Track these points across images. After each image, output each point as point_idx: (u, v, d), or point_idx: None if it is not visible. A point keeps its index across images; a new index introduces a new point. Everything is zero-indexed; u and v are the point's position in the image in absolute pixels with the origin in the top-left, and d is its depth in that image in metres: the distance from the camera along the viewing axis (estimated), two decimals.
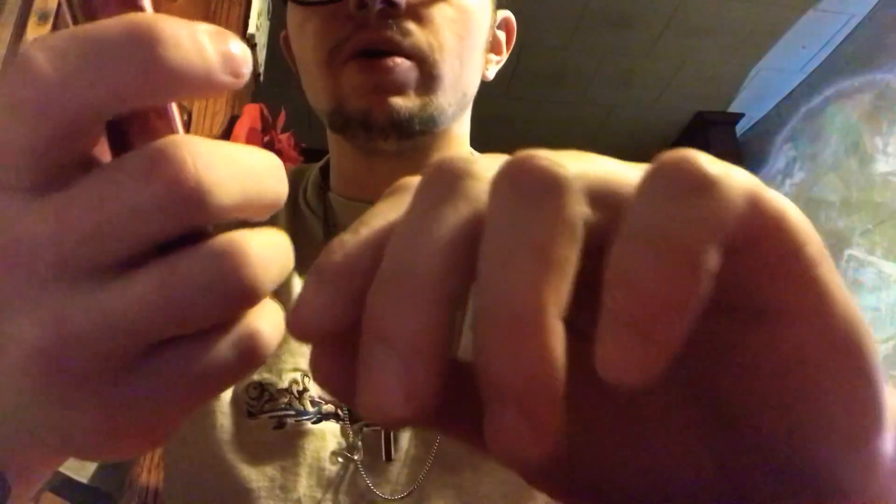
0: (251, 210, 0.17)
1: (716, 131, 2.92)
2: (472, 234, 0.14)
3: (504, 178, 0.14)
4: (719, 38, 2.47)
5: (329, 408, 0.47)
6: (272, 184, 0.17)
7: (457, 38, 0.49)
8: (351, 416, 0.47)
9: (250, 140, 1.40)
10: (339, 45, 0.48)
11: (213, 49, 0.16)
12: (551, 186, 0.14)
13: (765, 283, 0.14)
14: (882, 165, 2.22)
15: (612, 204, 0.14)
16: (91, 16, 0.16)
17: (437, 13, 0.49)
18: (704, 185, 0.13)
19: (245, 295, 0.16)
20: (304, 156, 1.66)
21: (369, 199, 0.54)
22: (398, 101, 0.47)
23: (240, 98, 1.60)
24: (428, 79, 0.48)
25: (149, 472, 0.92)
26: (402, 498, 0.45)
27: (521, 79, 2.66)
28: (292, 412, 0.47)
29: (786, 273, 0.14)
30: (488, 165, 0.15)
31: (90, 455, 0.18)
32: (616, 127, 3.03)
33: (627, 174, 0.15)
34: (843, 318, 0.14)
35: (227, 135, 1.46)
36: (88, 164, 0.16)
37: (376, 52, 0.47)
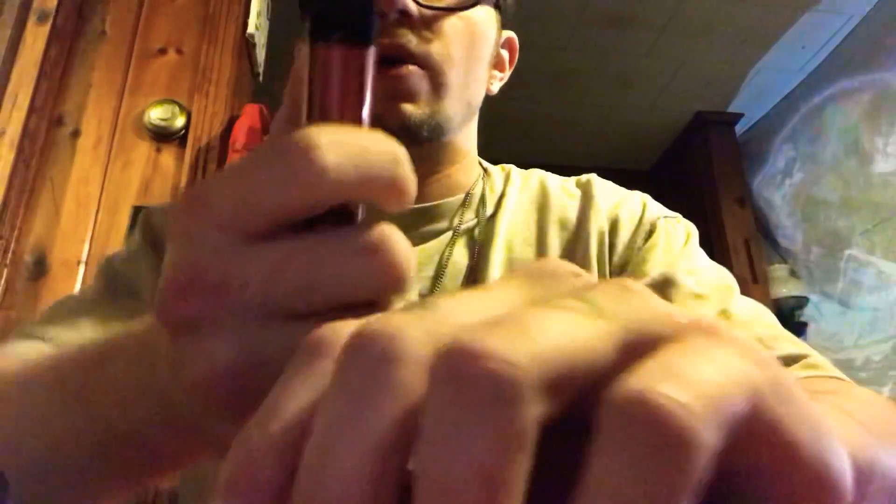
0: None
1: (715, 131, 2.92)
2: (404, 439, 0.13)
3: (444, 378, 0.12)
4: (719, 38, 2.47)
5: None
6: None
7: (464, 49, 0.52)
8: None
9: (250, 140, 1.40)
10: None
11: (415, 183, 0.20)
12: (500, 393, 0.12)
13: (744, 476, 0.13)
14: (882, 165, 2.22)
15: (579, 383, 0.13)
16: (324, 113, 0.20)
17: (447, 25, 0.51)
18: (679, 444, 0.11)
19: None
20: None
21: None
22: (409, 108, 0.50)
23: (240, 98, 1.60)
24: (436, 87, 0.51)
25: None
26: None
27: (522, 79, 2.66)
28: None
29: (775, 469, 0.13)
30: (420, 340, 0.13)
31: None
32: (616, 127, 3.03)
33: (594, 346, 0.13)
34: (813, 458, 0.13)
35: (226, 135, 1.46)
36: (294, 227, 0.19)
37: (388, 59, 0.49)
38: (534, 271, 0.16)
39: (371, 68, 0.21)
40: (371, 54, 0.21)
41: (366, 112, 0.21)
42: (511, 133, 2.97)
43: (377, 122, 0.49)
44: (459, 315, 0.14)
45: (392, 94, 0.49)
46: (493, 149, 0.72)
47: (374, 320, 0.14)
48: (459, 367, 0.12)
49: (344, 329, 0.15)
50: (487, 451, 0.11)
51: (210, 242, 0.19)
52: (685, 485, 0.11)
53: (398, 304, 0.20)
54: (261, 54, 1.73)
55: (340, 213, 0.20)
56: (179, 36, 1.56)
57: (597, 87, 2.76)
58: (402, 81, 0.49)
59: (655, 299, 0.15)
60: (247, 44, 1.63)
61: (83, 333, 0.46)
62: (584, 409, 0.12)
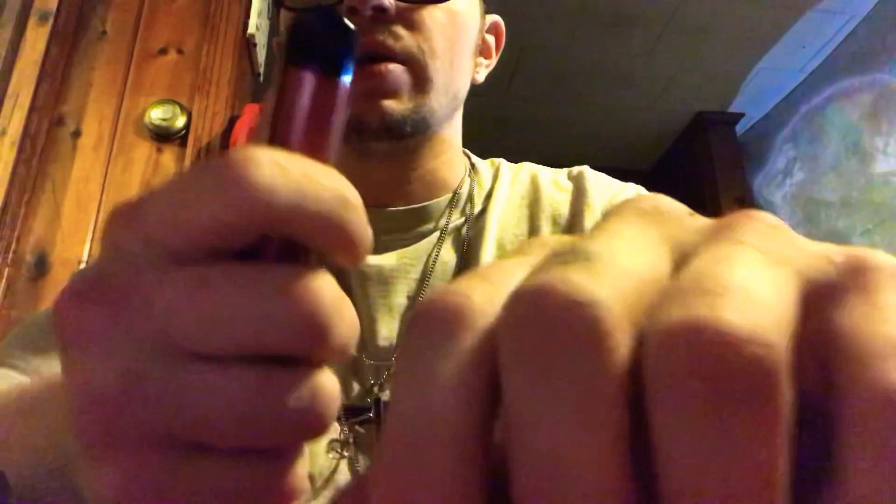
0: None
1: (716, 131, 2.92)
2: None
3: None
4: (719, 38, 2.47)
5: None
6: None
7: (447, 41, 0.51)
8: (346, 413, 0.47)
9: (250, 140, 1.40)
10: None
11: (369, 239, 0.18)
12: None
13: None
14: (882, 165, 2.23)
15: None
16: (284, 140, 0.19)
17: (427, 17, 0.50)
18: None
19: (318, 433, 0.17)
20: None
21: (364, 202, 0.54)
22: (390, 104, 0.49)
23: (240, 98, 1.60)
24: (420, 82, 0.49)
25: None
26: None
27: (522, 79, 2.66)
28: None
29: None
30: (616, 311, 0.11)
31: None
32: (616, 127, 3.03)
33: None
34: None
35: (227, 135, 1.46)
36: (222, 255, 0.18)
37: (368, 56, 0.48)
38: (649, 212, 0.14)
39: (343, 105, 0.19)
40: (345, 90, 0.19)
41: (330, 150, 0.19)
42: (511, 133, 2.97)
43: (358, 120, 0.49)
44: (630, 268, 0.12)
45: (372, 92, 0.48)
46: (494, 149, 0.71)
47: (547, 279, 0.12)
48: (717, 357, 0.10)
49: (472, 293, 0.13)
50: (767, 450, 0.10)
51: (130, 254, 0.17)
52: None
53: (328, 365, 0.18)
54: (261, 54, 1.73)
55: (288, 253, 0.18)
56: (180, 36, 1.56)
57: (597, 87, 2.76)
58: (382, 79, 0.48)
59: (797, 235, 0.14)
60: (247, 44, 1.63)
61: (50, 361, 0.45)
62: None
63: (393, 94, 0.49)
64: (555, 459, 0.11)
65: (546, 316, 0.11)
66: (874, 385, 0.11)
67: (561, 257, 0.12)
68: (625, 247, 0.13)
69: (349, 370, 0.49)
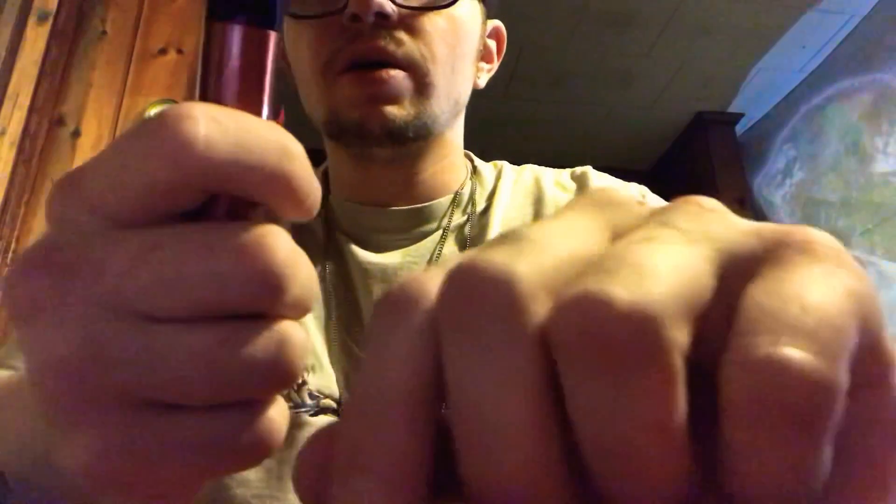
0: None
1: (716, 131, 2.92)
2: (550, 381, 0.13)
3: (585, 339, 0.12)
4: (719, 38, 2.47)
5: (327, 402, 0.48)
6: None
7: (448, 47, 0.51)
8: None
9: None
10: (333, 57, 0.50)
11: (316, 190, 0.18)
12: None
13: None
14: (882, 165, 2.23)
15: (694, 319, 0.13)
16: (217, 96, 0.18)
17: (429, 24, 0.50)
18: (818, 403, 0.11)
19: (287, 382, 0.17)
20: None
21: (366, 202, 0.55)
22: (392, 111, 0.49)
23: None
24: (421, 87, 0.50)
25: None
26: None
27: (521, 79, 2.66)
28: (290, 404, 0.47)
29: (865, 355, 0.13)
30: (533, 281, 0.13)
31: (96, 488, 0.18)
32: (616, 127, 3.03)
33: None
34: None
35: None
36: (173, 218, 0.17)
37: (370, 63, 0.49)
38: (599, 202, 0.15)
39: (272, 54, 0.19)
40: (274, 39, 0.19)
41: (265, 104, 0.19)
42: (511, 133, 2.97)
43: (360, 125, 0.49)
44: (555, 247, 0.13)
45: (373, 98, 0.49)
46: (494, 149, 0.71)
47: (473, 259, 0.13)
48: (601, 327, 0.11)
49: (426, 280, 0.14)
50: (657, 405, 0.11)
51: (77, 225, 0.17)
52: (827, 439, 0.11)
53: (294, 321, 0.18)
54: None
55: (238, 210, 0.18)
56: (180, 36, 1.56)
57: (597, 87, 2.76)
58: (383, 85, 0.48)
59: (732, 215, 0.15)
60: None
61: None
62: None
63: (395, 100, 0.49)
64: (480, 413, 0.12)
65: (467, 290, 0.13)
66: (739, 356, 0.11)
67: (497, 241, 0.14)
68: (559, 230, 0.14)
69: (354, 366, 0.49)
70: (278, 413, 0.18)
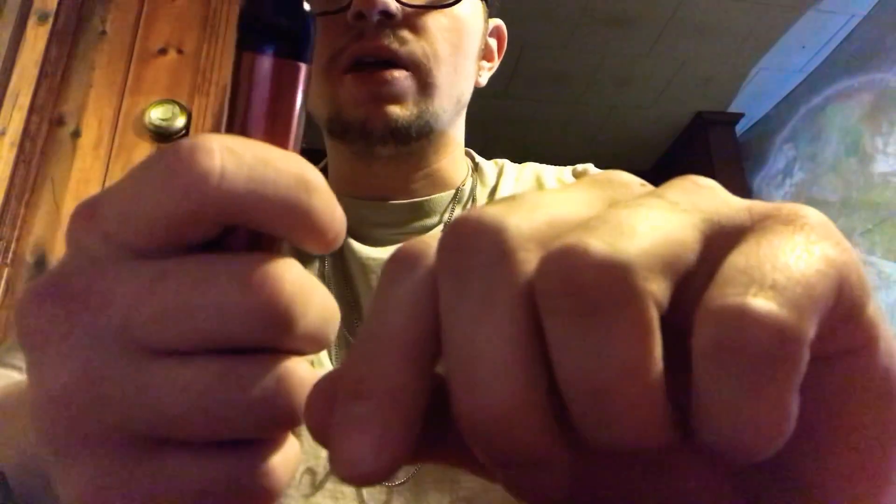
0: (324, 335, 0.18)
1: (716, 131, 2.92)
2: (534, 328, 0.13)
3: (562, 287, 0.13)
4: (719, 38, 2.47)
5: None
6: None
7: (451, 46, 0.51)
8: None
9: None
10: (337, 55, 0.50)
11: (339, 222, 0.18)
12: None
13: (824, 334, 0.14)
14: (882, 165, 2.23)
15: (674, 279, 0.14)
16: (244, 129, 0.18)
17: (432, 23, 0.50)
18: (783, 353, 0.12)
19: (286, 420, 0.17)
20: (304, 156, 1.65)
21: (365, 197, 0.55)
22: (395, 110, 0.49)
23: None
24: (424, 87, 0.50)
25: None
26: (396, 485, 0.45)
27: (521, 79, 2.66)
28: None
29: (845, 322, 0.14)
30: (525, 234, 0.14)
31: None
32: (616, 127, 3.03)
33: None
34: (887, 350, 0.14)
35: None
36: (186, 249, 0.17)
37: (373, 61, 0.49)
38: (601, 180, 0.16)
39: (301, 89, 0.18)
40: (304, 71, 0.18)
41: (292, 137, 0.18)
42: (511, 132, 2.97)
43: (363, 124, 0.49)
44: (550, 207, 0.14)
45: (377, 97, 0.49)
46: (494, 147, 0.71)
47: (469, 211, 0.14)
48: (577, 275, 0.12)
49: (430, 240, 0.15)
50: (628, 350, 0.12)
51: (90, 252, 0.17)
52: (793, 388, 0.12)
53: (301, 359, 0.18)
54: None
55: (255, 243, 0.17)
56: (180, 36, 1.56)
57: (597, 87, 2.76)
58: (387, 85, 0.48)
59: (727, 193, 0.15)
60: None
61: None
62: (674, 306, 0.13)
63: (398, 99, 0.49)
64: (469, 350, 0.13)
65: (461, 237, 0.14)
66: (708, 305, 0.12)
67: (496, 201, 0.15)
68: (557, 196, 0.15)
69: None
70: (286, 458, 0.18)
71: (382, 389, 0.14)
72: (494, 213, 0.14)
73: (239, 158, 0.16)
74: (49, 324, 0.16)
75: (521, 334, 0.13)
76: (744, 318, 0.12)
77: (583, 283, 0.12)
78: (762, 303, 0.12)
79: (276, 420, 0.17)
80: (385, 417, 0.14)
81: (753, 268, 0.12)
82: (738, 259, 0.13)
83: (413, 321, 0.14)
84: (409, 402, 0.14)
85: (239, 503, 0.17)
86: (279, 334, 0.16)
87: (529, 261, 0.13)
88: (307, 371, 0.17)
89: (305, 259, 0.53)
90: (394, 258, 0.15)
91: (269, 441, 0.18)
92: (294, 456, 0.18)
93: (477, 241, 0.14)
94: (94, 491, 0.16)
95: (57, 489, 0.17)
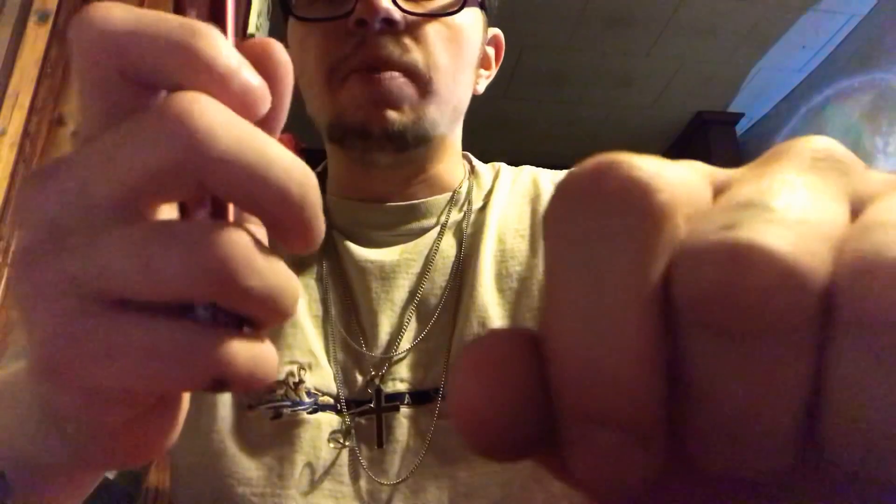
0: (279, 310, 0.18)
1: (716, 131, 2.93)
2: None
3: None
4: (719, 38, 2.47)
5: (325, 399, 0.48)
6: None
7: (451, 56, 0.52)
8: (347, 405, 0.48)
9: None
10: (339, 61, 0.50)
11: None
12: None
13: None
14: (882, 165, 2.23)
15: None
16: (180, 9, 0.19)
17: (433, 32, 0.51)
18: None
19: (224, 284, 0.17)
20: (304, 156, 1.65)
21: (363, 199, 0.56)
22: (394, 115, 0.50)
23: None
24: (422, 94, 0.51)
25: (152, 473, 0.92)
26: (395, 484, 0.45)
27: (521, 79, 2.66)
28: (288, 403, 0.48)
29: None
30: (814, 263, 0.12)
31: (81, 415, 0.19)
32: (616, 127, 3.03)
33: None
34: None
35: None
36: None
37: (374, 67, 0.49)
38: (819, 158, 0.13)
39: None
40: None
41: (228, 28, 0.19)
42: (511, 133, 2.97)
43: (362, 127, 0.50)
44: (688, 179, 0.12)
45: (376, 101, 0.49)
46: (494, 149, 0.72)
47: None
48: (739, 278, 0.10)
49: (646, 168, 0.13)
50: (781, 382, 0.11)
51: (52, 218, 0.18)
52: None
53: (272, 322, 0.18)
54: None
55: (217, 213, 0.18)
56: None
57: (597, 87, 2.77)
58: (386, 88, 0.49)
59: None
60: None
61: None
62: None
63: (397, 104, 0.50)
64: (589, 340, 0.12)
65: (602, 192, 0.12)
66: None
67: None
68: (697, 169, 0.14)
69: (352, 362, 0.49)
70: (252, 349, 0.18)
71: (633, 418, 0.11)
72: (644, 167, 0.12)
73: (224, 119, 0.17)
74: (40, 282, 0.17)
75: (649, 348, 0.11)
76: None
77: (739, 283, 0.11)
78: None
79: (215, 284, 0.16)
80: (637, 447, 0.12)
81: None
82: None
83: (651, 315, 0.11)
84: (660, 428, 0.12)
85: (181, 374, 0.17)
86: (220, 293, 0.17)
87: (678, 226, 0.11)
88: (249, 244, 0.17)
89: (304, 262, 0.54)
90: (589, 195, 0.12)
91: (231, 325, 0.18)
92: (264, 355, 0.18)
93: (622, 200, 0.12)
94: (43, 343, 0.17)
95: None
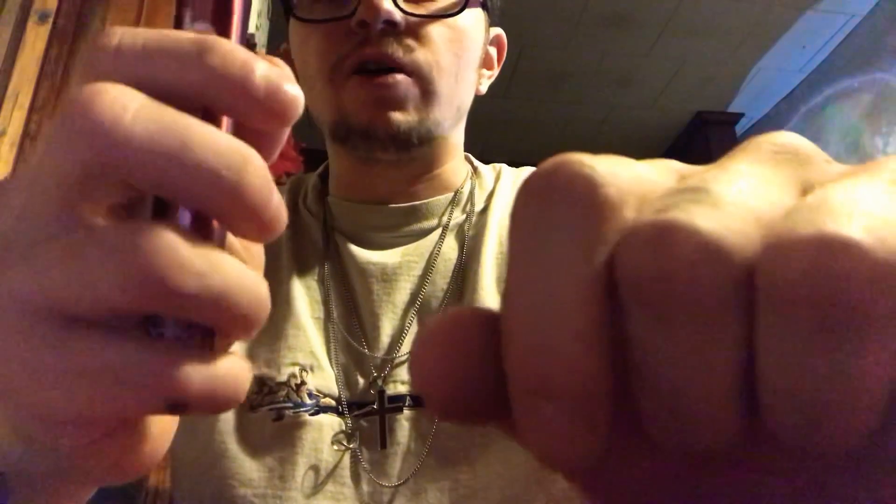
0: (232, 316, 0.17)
1: (716, 131, 2.92)
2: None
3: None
4: (719, 38, 2.47)
5: (327, 401, 0.48)
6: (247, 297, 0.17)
7: (453, 57, 0.52)
8: (350, 407, 0.48)
9: None
10: (341, 61, 0.50)
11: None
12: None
13: None
14: None
15: None
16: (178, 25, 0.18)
17: (435, 33, 0.51)
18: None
19: (155, 291, 0.15)
20: (304, 156, 1.65)
21: (364, 200, 0.56)
22: (397, 116, 0.50)
23: None
24: (426, 95, 0.51)
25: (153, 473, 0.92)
26: (397, 486, 0.45)
27: (521, 79, 2.66)
28: (290, 404, 0.48)
29: None
30: (738, 244, 0.12)
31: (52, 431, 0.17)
32: (616, 127, 3.03)
33: None
34: None
35: None
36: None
37: (377, 68, 0.49)
38: (778, 151, 0.14)
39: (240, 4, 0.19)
40: None
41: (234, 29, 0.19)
42: (511, 133, 2.97)
43: (366, 128, 0.50)
44: (749, 200, 0.12)
45: (380, 102, 0.49)
46: (494, 149, 0.72)
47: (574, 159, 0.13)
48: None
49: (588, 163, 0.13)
50: (719, 361, 0.11)
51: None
52: (881, 341, 0.11)
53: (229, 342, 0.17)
54: (261, 54, 1.73)
55: (160, 212, 0.17)
56: None
57: (597, 87, 2.77)
58: (389, 89, 0.49)
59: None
60: (247, 44, 1.63)
61: None
62: None
63: (400, 105, 0.50)
64: (536, 314, 0.12)
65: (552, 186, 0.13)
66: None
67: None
68: (666, 166, 0.14)
69: (354, 364, 0.49)
70: (206, 367, 0.16)
71: (574, 393, 0.12)
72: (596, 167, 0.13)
73: (157, 128, 0.16)
74: None
75: (591, 327, 0.12)
76: (828, 254, 0.10)
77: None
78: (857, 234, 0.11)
79: (145, 290, 0.15)
80: (578, 420, 0.12)
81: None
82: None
83: (593, 296, 0.12)
84: (603, 404, 0.12)
85: (133, 394, 0.16)
86: (156, 301, 0.15)
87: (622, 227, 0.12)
88: (180, 242, 0.16)
89: (305, 264, 0.54)
90: (542, 190, 0.13)
91: (189, 342, 0.17)
92: (229, 374, 0.17)
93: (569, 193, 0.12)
94: (3, 367, 0.16)
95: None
